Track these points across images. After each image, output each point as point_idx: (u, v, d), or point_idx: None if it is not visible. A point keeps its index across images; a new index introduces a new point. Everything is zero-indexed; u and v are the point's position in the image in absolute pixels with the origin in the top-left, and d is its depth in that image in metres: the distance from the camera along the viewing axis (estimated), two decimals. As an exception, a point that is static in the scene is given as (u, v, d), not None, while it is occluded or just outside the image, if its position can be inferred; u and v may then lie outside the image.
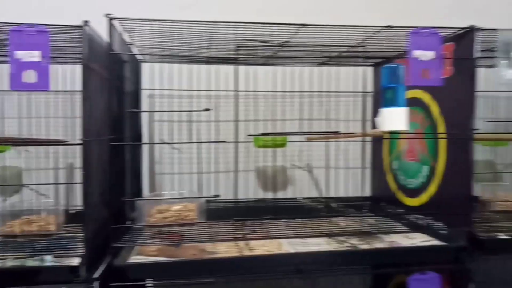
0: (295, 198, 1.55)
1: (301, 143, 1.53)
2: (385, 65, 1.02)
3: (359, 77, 1.53)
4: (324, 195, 1.56)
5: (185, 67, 1.45)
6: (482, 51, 1.18)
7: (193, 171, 1.53)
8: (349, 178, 1.60)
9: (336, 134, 1.23)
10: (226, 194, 1.47)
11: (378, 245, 1.08)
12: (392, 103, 0.96)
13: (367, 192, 1.58)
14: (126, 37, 1.17)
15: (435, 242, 1.09)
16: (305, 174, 1.61)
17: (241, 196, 1.54)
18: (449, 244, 1.07)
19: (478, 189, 1.17)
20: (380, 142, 1.53)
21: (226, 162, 1.53)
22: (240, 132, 1.53)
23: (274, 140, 1.45)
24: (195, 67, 1.46)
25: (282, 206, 1.45)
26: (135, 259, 0.98)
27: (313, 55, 1.33)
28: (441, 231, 1.13)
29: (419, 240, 1.12)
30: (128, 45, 1.22)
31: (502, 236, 1.07)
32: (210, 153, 1.53)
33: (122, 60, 1.21)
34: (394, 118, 0.96)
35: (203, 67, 1.47)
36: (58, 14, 1.07)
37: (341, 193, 1.59)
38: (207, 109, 1.06)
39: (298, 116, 1.58)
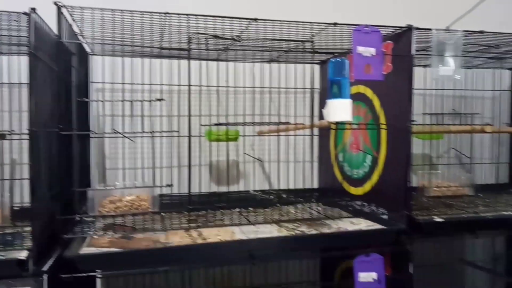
0: (247, 191, 1.58)
1: (253, 138, 1.57)
2: (331, 59, 1.08)
3: (307, 75, 1.59)
4: (275, 187, 1.61)
5: (137, 61, 1.44)
6: (418, 50, 1.28)
7: (146, 166, 1.52)
8: (298, 171, 1.66)
9: (286, 125, 1.27)
10: (179, 188, 1.48)
11: (326, 231, 1.14)
12: (337, 95, 1.02)
13: (316, 184, 1.65)
14: (76, 28, 1.15)
15: (378, 226, 1.17)
16: (257, 168, 1.65)
17: (194, 190, 1.56)
18: (390, 228, 1.14)
19: (416, 178, 1.26)
20: (327, 137, 1.60)
21: (179, 156, 1.53)
22: (193, 127, 1.54)
23: (227, 134, 1.48)
24: (146, 61, 1.46)
25: (235, 198, 1.48)
26: (86, 250, 0.97)
27: (264, 50, 1.37)
28: (383, 217, 1.21)
29: (363, 225, 1.18)
30: (78, 36, 1.20)
31: (438, 219, 1.16)
32: (162, 148, 1.53)
33: (71, 52, 1.18)
34: (339, 109, 1.01)
35: (156, 61, 1.47)
36: (4, 1, 1.04)
37: (291, 185, 1.64)
38: (160, 99, 1.07)
39: (250, 112, 1.62)
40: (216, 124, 1.25)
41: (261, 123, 1.40)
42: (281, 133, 1.56)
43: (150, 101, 1.18)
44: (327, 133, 1.60)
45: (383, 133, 1.24)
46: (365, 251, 1.10)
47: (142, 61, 1.45)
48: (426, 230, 1.14)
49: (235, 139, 1.47)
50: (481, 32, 1.21)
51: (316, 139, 1.66)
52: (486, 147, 1.80)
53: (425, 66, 1.57)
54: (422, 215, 1.17)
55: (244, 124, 1.34)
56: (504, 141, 1.81)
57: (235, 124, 1.33)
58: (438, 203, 1.25)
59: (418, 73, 1.35)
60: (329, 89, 1.05)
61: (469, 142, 1.69)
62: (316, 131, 1.65)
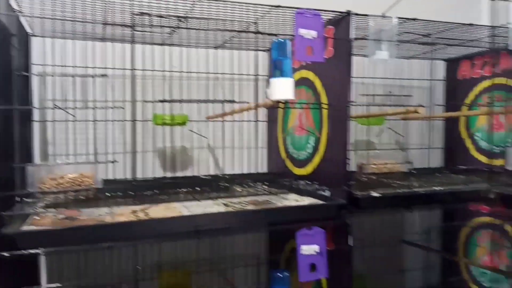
0: (196, 176, 1.60)
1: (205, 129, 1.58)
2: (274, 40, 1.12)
3: (254, 62, 1.63)
4: (225, 172, 1.64)
5: (79, 44, 1.42)
6: (358, 38, 1.35)
7: (90, 152, 1.50)
8: (248, 156, 1.69)
9: (231, 107, 1.30)
10: (125, 173, 1.47)
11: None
12: (280, 74, 1.06)
13: (265, 169, 1.69)
14: (15, 5, 1.12)
15: (320, 202, 1.22)
16: (205, 154, 1.67)
17: (143, 175, 1.55)
18: (331, 203, 1.20)
19: (355, 157, 1.33)
20: (275, 122, 1.64)
21: (124, 142, 1.52)
22: (142, 111, 1.54)
23: (174, 118, 1.49)
24: (90, 44, 1.44)
25: (183, 183, 1.49)
26: (27, 228, 0.95)
27: (209, 30, 1.38)
28: (325, 194, 1.26)
29: (307, 202, 1.24)
30: (17, 14, 1.16)
31: (375, 194, 1.23)
32: (107, 133, 1.51)
33: (10, 33, 1.15)
34: (282, 88, 1.05)
35: (98, 44, 1.45)
36: None
37: (241, 171, 1.67)
38: (103, 75, 1.06)
39: (195, 97, 1.63)
40: (162, 101, 1.25)
41: (209, 100, 1.41)
42: (229, 118, 1.59)
43: (93, 76, 1.16)
44: (275, 118, 1.64)
45: (325, 115, 1.30)
46: (307, 225, 1.14)
47: (85, 43, 1.42)
48: (364, 205, 1.21)
49: (183, 123, 1.48)
50: (414, 19, 1.30)
51: (265, 125, 1.70)
52: (421, 133, 1.91)
53: (364, 56, 1.65)
54: (360, 191, 1.24)
55: (192, 101, 1.34)
56: (440, 127, 1.94)
57: (182, 101, 1.34)
58: (375, 180, 1.32)
59: (358, 62, 1.42)
60: (273, 69, 1.08)
61: (406, 128, 1.80)
62: (263, 116, 1.69)
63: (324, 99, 1.30)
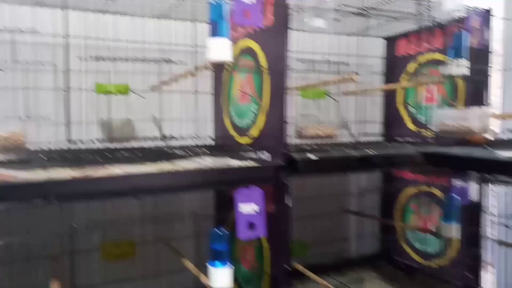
0: (139, 148, 1.59)
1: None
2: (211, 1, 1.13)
3: (192, 32, 1.64)
4: (169, 144, 1.64)
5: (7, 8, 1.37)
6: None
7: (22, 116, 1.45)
8: (192, 128, 1.70)
9: (170, 62, 1.30)
10: (65, 144, 1.45)
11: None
12: (217, 34, 1.08)
13: (210, 139, 1.71)
14: None
15: (258, 164, 1.26)
16: (150, 126, 1.66)
17: (83, 146, 1.53)
18: (270, 164, 1.24)
19: (296, 122, 1.38)
20: (219, 93, 1.66)
21: (67, 112, 1.49)
22: (82, 81, 1.51)
23: (115, 87, 1.47)
24: (18, 8, 1.39)
25: (126, 155, 1.48)
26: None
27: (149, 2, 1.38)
28: (264, 157, 1.30)
29: (246, 165, 1.27)
30: None
31: (312, 157, 1.28)
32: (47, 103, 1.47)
33: None
34: (219, 48, 1.07)
35: (28, 10, 1.40)
36: None
37: (185, 142, 1.68)
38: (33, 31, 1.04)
39: (140, 68, 1.62)
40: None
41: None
42: (174, 89, 1.59)
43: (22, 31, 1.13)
44: (220, 89, 1.66)
45: (266, 82, 1.33)
46: (246, 185, 1.18)
47: (13, 8, 1.38)
48: (302, 167, 1.26)
49: (125, 92, 1.47)
50: (349, -9, 1.35)
51: (210, 97, 1.71)
52: (360, 108, 2.00)
53: (304, 30, 1.70)
54: (299, 154, 1.28)
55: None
56: (379, 103, 2.03)
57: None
58: (313, 145, 1.38)
59: (298, 37, 1.46)
60: (210, 30, 1.10)
61: (346, 104, 1.88)
62: (209, 87, 1.70)
63: (264, 63, 1.33)
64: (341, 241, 1.95)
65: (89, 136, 1.53)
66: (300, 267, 1.53)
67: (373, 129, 1.98)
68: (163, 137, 1.67)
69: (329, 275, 1.76)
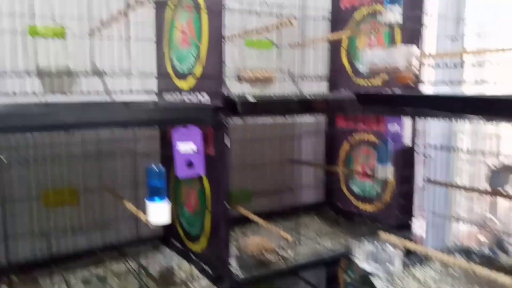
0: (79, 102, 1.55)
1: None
2: None
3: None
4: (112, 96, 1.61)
5: None
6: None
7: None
8: (136, 76, 1.67)
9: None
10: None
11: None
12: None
13: (154, 88, 1.69)
14: None
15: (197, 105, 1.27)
16: (90, 75, 1.61)
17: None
18: (209, 105, 1.25)
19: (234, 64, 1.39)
20: (161, 39, 1.63)
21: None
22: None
23: (52, 29, 1.42)
24: None
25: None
26: None
27: None
28: (203, 99, 1.32)
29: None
30: None
31: (251, 99, 1.30)
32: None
33: None
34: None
35: None
36: None
37: (127, 97, 1.64)
38: None
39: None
40: None
41: None
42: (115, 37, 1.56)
43: None
44: (162, 37, 1.64)
45: (205, 26, 1.32)
46: (185, 125, 1.19)
47: None
48: (242, 109, 1.28)
49: (61, 35, 1.42)
50: None
51: (153, 45, 1.68)
52: (304, 62, 2.03)
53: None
54: (238, 95, 1.30)
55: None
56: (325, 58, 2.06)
57: None
58: (253, 86, 1.40)
59: None
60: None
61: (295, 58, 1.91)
62: (152, 36, 1.67)
63: (204, 10, 1.32)
64: (287, 190, 2.01)
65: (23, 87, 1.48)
66: (244, 211, 1.58)
67: (318, 82, 2.02)
68: (106, 89, 1.63)
69: (274, 220, 1.83)
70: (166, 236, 1.70)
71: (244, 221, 1.70)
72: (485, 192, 1.34)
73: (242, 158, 1.85)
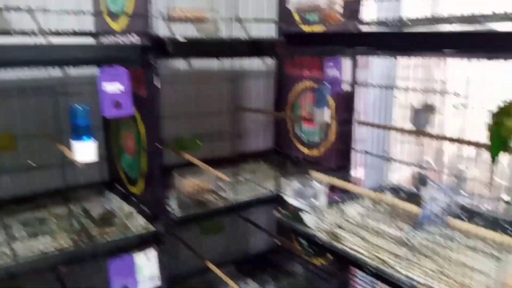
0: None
1: None
2: None
3: None
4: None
5: None
6: None
7: None
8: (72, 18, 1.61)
9: None
10: None
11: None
12: None
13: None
14: None
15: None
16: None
17: None
18: (136, 44, 1.24)
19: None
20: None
21: None
22: None
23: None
24: None
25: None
26: None
27: None
28: (135, 39, 1.30)
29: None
30: None
31: (181, 39, 1.29)
32: None
33: None
34: None
35: None
36: None
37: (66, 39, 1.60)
38: None
39: None
40: None
41: None
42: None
43: None
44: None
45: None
46: (111, 65, 1.18)
47: None
48: (171, 49, 1.27)
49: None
50: None
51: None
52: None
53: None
54: (168, 36, 1.30)
55: None
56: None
57: None
58: (183, 27, 1.39)
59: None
60: None
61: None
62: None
63: None
64: (236, 137, 2.04)
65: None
66: (186, 155, 1.60)
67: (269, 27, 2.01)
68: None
69: (221, 166, 1.87)
70: (111, 181, 1.72)
71: (186, 166, 1.73)
72: (409, 132, 1.40)
73: (188, 104, 1.86)
